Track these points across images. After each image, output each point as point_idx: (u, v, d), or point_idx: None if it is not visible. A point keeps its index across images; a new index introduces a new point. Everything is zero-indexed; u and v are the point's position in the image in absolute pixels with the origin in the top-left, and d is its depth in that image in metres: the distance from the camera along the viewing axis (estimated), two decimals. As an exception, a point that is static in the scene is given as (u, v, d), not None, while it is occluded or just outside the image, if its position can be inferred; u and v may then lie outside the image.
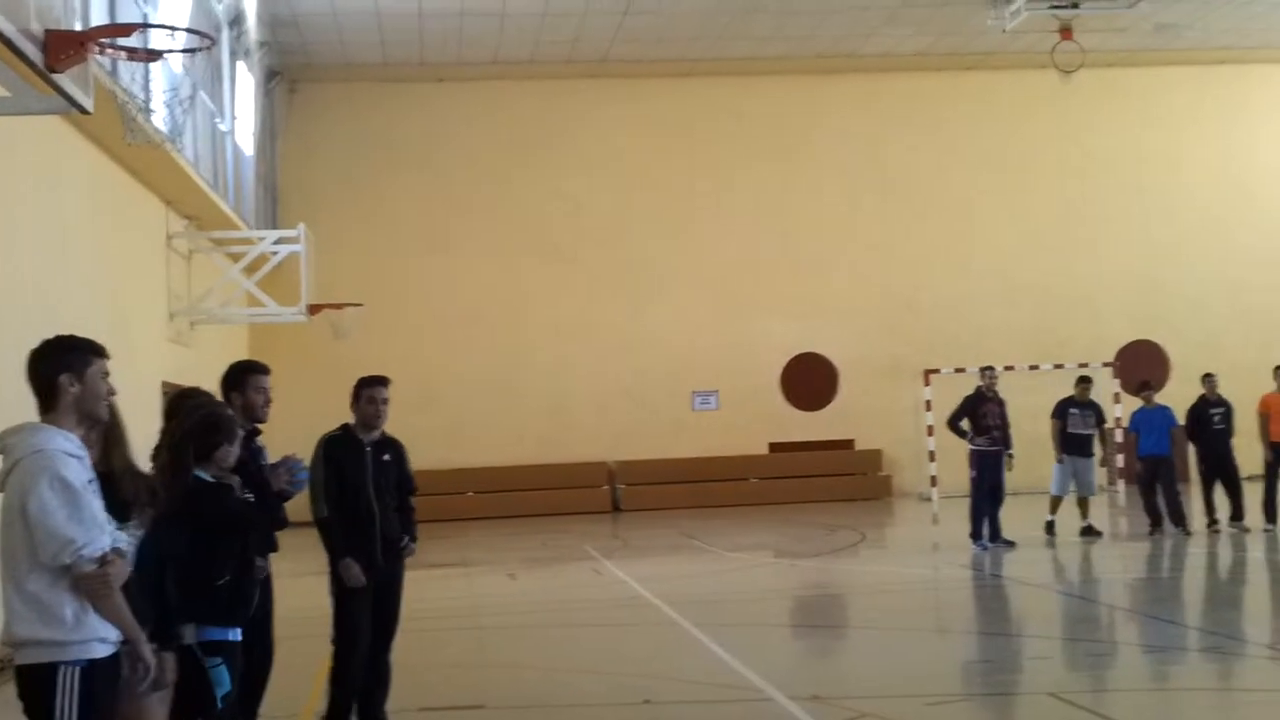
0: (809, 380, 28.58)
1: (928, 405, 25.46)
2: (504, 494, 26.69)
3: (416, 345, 27.03)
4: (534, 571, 18.20)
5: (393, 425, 8.53)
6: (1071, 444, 18.28)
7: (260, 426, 7.52)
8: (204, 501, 5.97)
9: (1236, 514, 18.39)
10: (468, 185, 28.09)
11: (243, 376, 7.53)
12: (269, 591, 7.45)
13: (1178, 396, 20.01)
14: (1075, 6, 24.80)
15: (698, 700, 9.52)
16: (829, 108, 28.83)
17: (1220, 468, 18.55)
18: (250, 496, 6.30)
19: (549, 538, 22.28)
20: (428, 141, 28.04)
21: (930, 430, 24.74)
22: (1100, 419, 18.80)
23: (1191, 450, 19.29)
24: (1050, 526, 18.32)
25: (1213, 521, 18.46)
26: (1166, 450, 18.50)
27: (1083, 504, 18.39)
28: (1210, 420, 18.59)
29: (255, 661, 7.11)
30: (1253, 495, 18.48)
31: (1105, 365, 25.99)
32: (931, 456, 25.52)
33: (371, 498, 8.25)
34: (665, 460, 27.46)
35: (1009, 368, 24.09)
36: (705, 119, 28.64)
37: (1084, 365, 24.40)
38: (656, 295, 28.24)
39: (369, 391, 8.42)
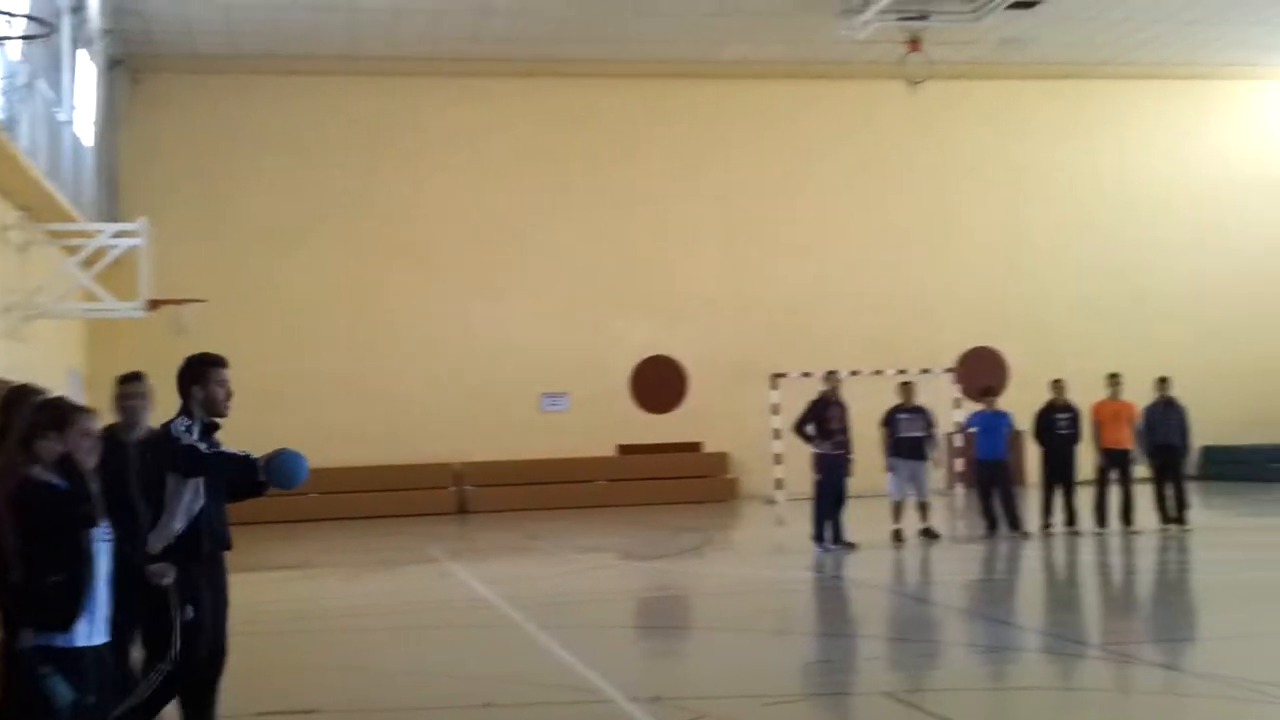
0: (659, 382, 28.71)
1: (775, 409, 25.81)
2: (350, 495, 26.32)
3: (262, 342, 26.55)
4: (377, 573, 17.99)
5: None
6: (905, 448, 18.57)
7: (219, 422, 7.46)
8: (28, 500, 5.77)
9: (1071, 518, 18.89)
10: (317, 181, 27.71)
11: (205, 370, 7.36)
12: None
13: (1017, 403, 20.47)
14: (924, 19, 25.26)
15: (539, 703, 9.49)
16: (683, 112, 29.00)
17: (1062, 473, 19.00)
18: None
19: (394, 539, 22.05)
20: (278, 135, 27.61)
21: (777, 433, 25.07)
22: (929, 421, 19.03)
23: (1034, 454, 19.67)
24: (898, 535, 18.46)
25: (1048, 524, 18.94)
26: (1003, 455, 18.93)
27: (921, 507, 18.71)
28: (1056, 425, 19.05)
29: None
30: (1086, 500, 19.04)
31: (947, 371, 26.61)
32: (778, 459, 25.87)
33: (135, 497, 7.82)
34: (513, 462, 27.37)
35: (855, 372, 24.48)
36: (559, 120, 28.62)
37: (926, 371, 24.97)
38: (507, 295, 28.16)
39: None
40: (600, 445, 28.22)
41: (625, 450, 28.50)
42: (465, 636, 12.66)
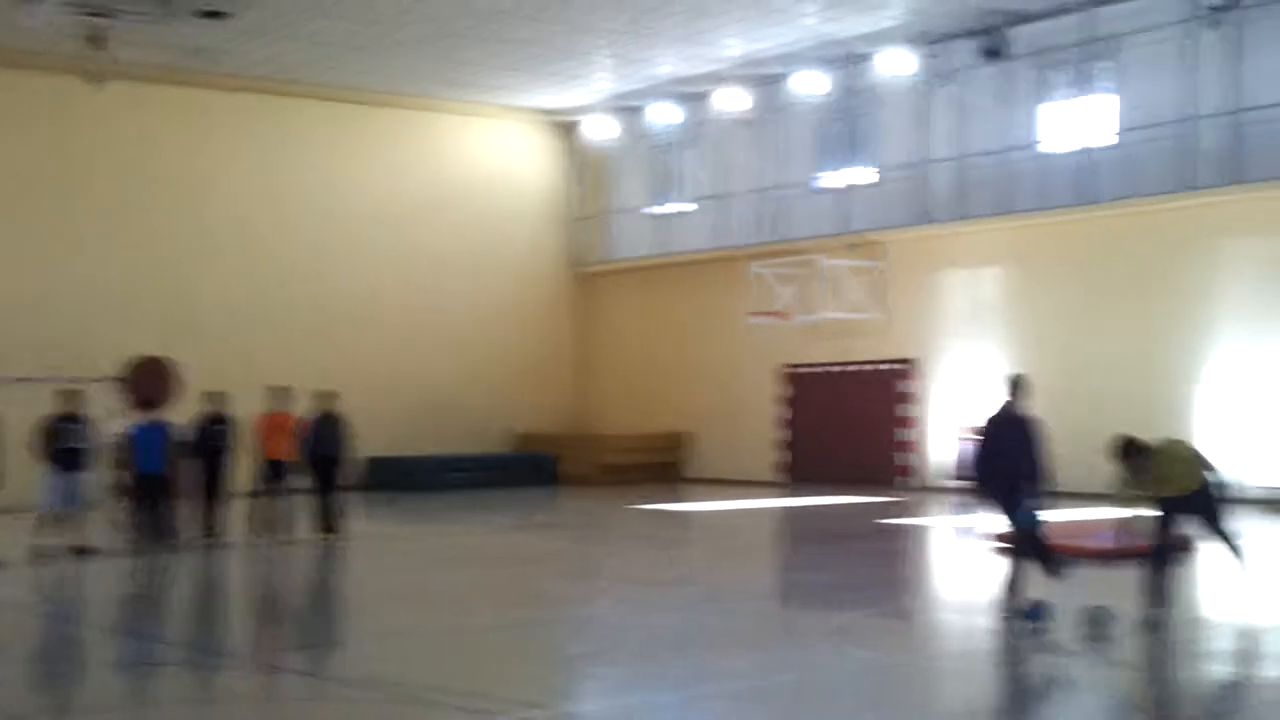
0: None
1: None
2: None
3: None
4: None
5: None
6: (66, 459, 17.65)
7: None
8: None
9: (225, 529, 18.82)
10: None
11: None
12: None
13: (188, 415, 19.86)
14: (108, 16, 24.19)
15: None
16: None
17: (216, 484, 18.97)
18: None
19: None
20: None
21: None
22: (92, 432, 18.27)
23: (191, 466, 19.26)
24: (45, 551, 17.45)
25: (206, 536, 18.75)
26: (162, 468, 18.44)
27: (75, 521, 17.78)
28: (211, 436, 18.99)
29: None
30: (246, 510, 19.05)
31: (114, 380, 25.51)
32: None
33: None
34: None
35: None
36: None
37: (91, 379, 23.81)
38: None
39: None
40: None
41: None
42: None
